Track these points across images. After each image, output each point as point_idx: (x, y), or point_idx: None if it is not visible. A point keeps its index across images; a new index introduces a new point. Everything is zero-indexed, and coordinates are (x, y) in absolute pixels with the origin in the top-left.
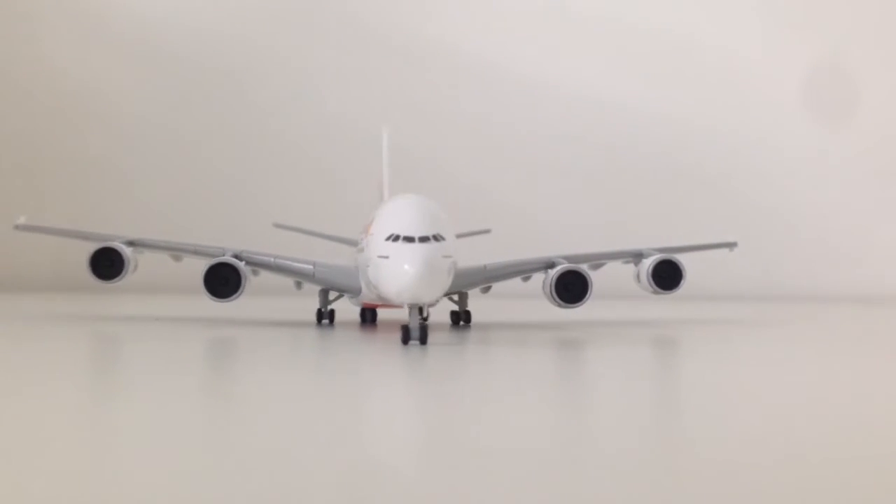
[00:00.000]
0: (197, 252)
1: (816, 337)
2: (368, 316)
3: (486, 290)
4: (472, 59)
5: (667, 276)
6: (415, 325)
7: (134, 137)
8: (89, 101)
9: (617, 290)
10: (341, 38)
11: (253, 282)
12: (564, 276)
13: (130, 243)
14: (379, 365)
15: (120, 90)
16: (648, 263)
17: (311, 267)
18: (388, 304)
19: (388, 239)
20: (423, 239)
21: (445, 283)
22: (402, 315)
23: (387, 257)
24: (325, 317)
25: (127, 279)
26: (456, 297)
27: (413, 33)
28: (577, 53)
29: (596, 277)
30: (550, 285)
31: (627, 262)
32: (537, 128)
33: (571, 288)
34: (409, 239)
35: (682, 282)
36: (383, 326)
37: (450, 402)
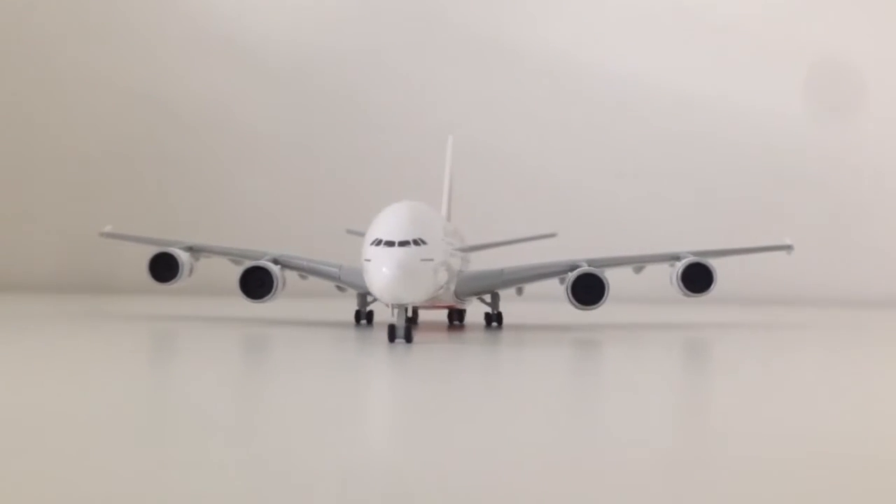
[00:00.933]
0: (244, 255)
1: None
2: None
3: (520, 292)
4: (557, 61)
5: (698, 279)
6: (400, 324)
7: (244, 148)
8: (205, 113)
9: (665, 293)
10: (441, 45)
11: (304, 284)
12: (583, 278)
13: (189, 249)
14: (356, 361)
15: (233, 102)
16: (679, 266)
17: (336, 270)
18: (429, 306)
19: (372, 244)
20: (403, 243)
21: (428, 284)
22: (443, 316)
23: (370, 261)
24: (364, 317)
25: (183, 282)
26: (488, 299)
27: (502, 38)
28: (665, 51)
29: (639, 280)
30: (568, 288)
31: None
32: (624, 128)
33: (591, 290)
34: (390, 243)
35: (713, 285)
36: (423, 326)
37: (400, 398)
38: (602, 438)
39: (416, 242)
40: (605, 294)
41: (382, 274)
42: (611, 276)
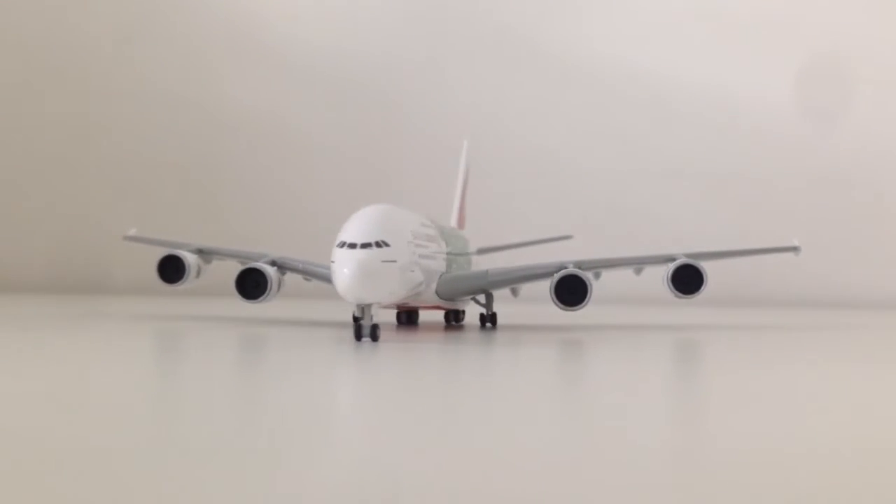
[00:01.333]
0: (247, 257)
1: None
2: (404, 317)
3: (515, 293)
4: (607, 67)
5: (690, 280)
6: (367, 323)
7: (285, 151)
8: (257, 124)
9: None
10: (494, 52)
11: (310, 286)
12: (568, 280)
13: (198, 251)
14: (321, 358)
15: (276, 107)
16: (670, 268)
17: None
18: (419, 306)
19: (338, 246)
20: (365, 245)
21: (392, 285)
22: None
23: (334, 262)
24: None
25: (190, 283)
26: (483, 300)
27: (551, 42)
28: (690, 49)
29: (647, 282)
30: (552, 289)
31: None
32: (646, 127)
33: (575, 291)
34: (352, 245)
35: (703, 287)
36: (423, 327)
37: (358, 392)
38: (580, 438)
39: (378, 244)
40: (588, 295)
41: (343, 275)
42: (615, 278)
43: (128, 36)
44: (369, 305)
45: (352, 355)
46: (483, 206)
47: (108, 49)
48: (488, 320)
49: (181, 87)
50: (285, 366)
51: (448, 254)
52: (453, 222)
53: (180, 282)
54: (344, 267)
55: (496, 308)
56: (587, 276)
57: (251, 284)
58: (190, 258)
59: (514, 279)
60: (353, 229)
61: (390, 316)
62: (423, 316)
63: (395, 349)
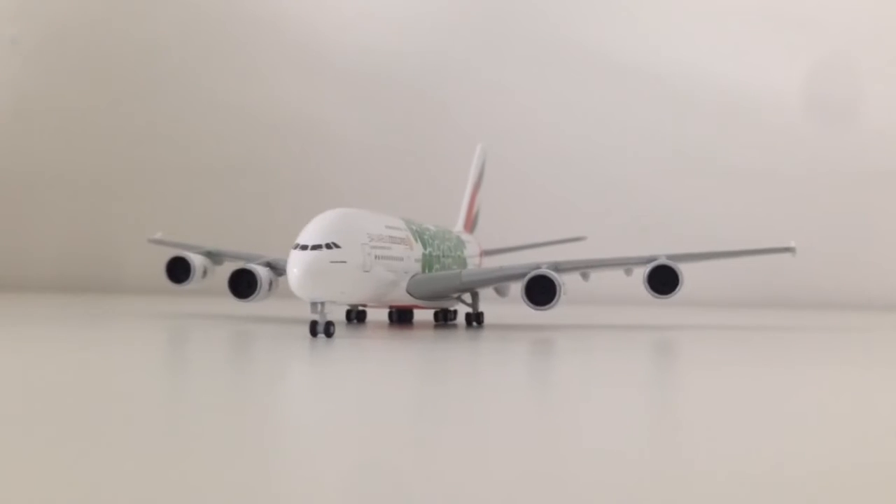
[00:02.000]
0: (249, 258)
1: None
2: (395, 316)
3: (501, 293)
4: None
5: (666, 280)
6: (321, 321)
7: (340, 157)
8: (310, 128)
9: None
10: (533, 52)
11: None
12: (539, 280)
13: (207, 253)
14: (271, 352)
15: (338, 117)
16: (647, 269)
17: None
18: (396, 306)
19: (293, 248)
20: (315, 247)
21: (341, 284)
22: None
23: (288, 263)
24: (354, 317)
25: (196, 283)
26: (469, 300)
27: (590, 43)
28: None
29: (631, 282)
30: (522, 289)
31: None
32: (690, 128)
33: (546, 292)
34: (304, 247)
35: (679, 287)
36: (418, 325)
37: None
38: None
39: (328, 246)
40: (557, 295)
41: (293, 274)
42: (610, 279)
43: (182, 42)
44: (322, 303)
45: (301, 351)
46: (502, 207)
47: (159, 55)
48: (474, 319)
49: (231, 93)
50: (231, 359)
51: (426, 255)
52: (460, 225)
53: (186, 282)
54: (294, 267)
55: (483, 307)
56: (557, 277)
57: (244, 284)
58: (197, 260)
59: (488, 280)
60: (307, 232)
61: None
62: (420, 315)
63: (344, 345)
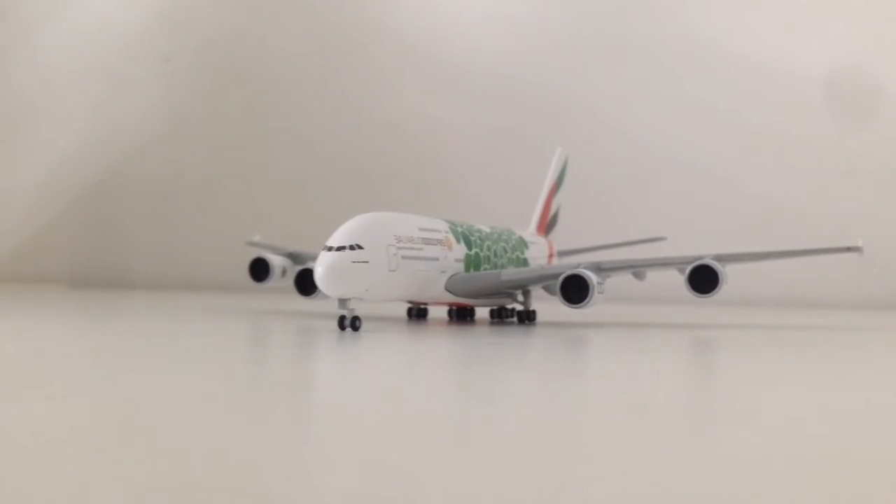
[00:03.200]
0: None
1: None
2: (415, 312)
3: (551, 292)
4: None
5: (708, 280)
6: (348, 315)
7: (458, 157)
8: (419, 131)
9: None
10: (615, 50)
11: None
12: (573, 279)
13: (289, 255)
14: (301, 343)
15: (454, 124)
16: (688, 269)
17: None
18: (467, 304)
19: (322, 249)
20: (339, 248)
21: (364, 282)
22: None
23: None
24: (415, 313)
25: (275, 282)
26: (521, 298)
27: (674, 34)
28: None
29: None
30: (557, 288)
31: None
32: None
33: (580, 290)
34: (330, 248)
35: (719, 287)
36: (432, 321)
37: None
38: (566, 433)
39: (351, 247)
40: (591, 294)
41: (317, 273)
42: (668, 278)
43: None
44: (347, 300)
45: (330, 343)
46: (590, 209)
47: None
48: (526, 317)
49: (356, 98)
50: (268, 349)
51: (470, 255)
52: (532, 227)
53: (266, 280)
54: (318, 266)
55: (541, 306)
56: (590, 276)
57: (311, 282)
58: (276, 260)
59: (527, 280)
60: (335, 235)
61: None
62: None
63: (370, 339)
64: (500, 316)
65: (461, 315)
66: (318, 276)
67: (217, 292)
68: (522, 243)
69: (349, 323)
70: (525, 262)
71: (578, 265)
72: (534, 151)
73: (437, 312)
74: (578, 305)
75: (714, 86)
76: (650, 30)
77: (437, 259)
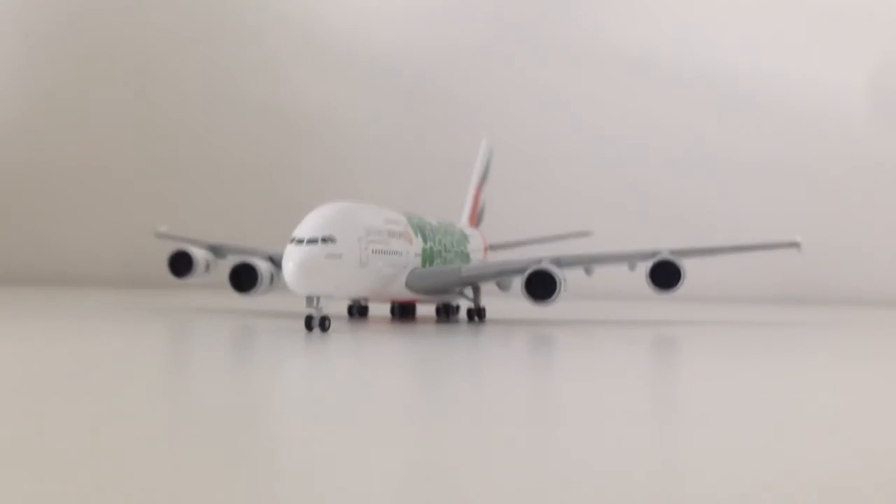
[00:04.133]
0: (253, 253)
1: None
2: (397, 310)
3: (503, 287)
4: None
5: (670, 276)
6: (316, 314)
7: (354, 150)
8: (321, 122)
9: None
10: (553, 51)
11: None
12: (539, 275)
13: (211, 248)
14: (267, 347)
15: (351, 110)
16: (649, 264)
17: None
18: (396, 300)
19: (289, 242)
20: (311, 241)
21: (336, 278)
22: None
23: (284, 257)
24: (356, 311)
25: (198, 277)
26: (471, 295)
27: (600, 36)
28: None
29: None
30: (522, 283)
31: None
32: (708, 121)
33: (546, 286)
34: (299, 241)
35: (680, 282)
36: (419, 320)
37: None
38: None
39: (323, 240)
40: (558, 290)
41: (288, 269)
42: (612, 274)
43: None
44: (317, 298)
45: (298, 345)
46: (507, 201)
47: (179, 51)
48: (476, 314)
49: (259, 91)
50: (227, 355)
51: (426, 250)
52: (465, 219)
53: (188, 275)
54: (289, 261)
55: (485, 302)
56: (557, 271)
57: (246, 278)
58: (199, 254)
59: (488, 275)
60: (304, 226)
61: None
62: (422, 309)
63: (340, 340)
64: (446, 313)
65: (403, 312)
66: (290, 272)
67: (104, 287)
68: (464, 237)
69: (318, 323)
70: (467, 256)
71: (541, 260)
72: (429, 143)
73: (375, 310)
74: (544, 302)
75: (619, 82)
76: (568, 28)
77: (400, 253)
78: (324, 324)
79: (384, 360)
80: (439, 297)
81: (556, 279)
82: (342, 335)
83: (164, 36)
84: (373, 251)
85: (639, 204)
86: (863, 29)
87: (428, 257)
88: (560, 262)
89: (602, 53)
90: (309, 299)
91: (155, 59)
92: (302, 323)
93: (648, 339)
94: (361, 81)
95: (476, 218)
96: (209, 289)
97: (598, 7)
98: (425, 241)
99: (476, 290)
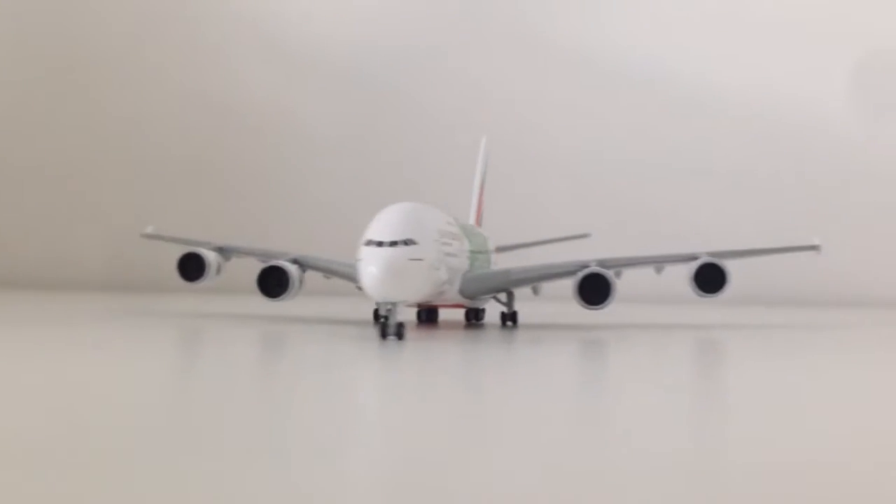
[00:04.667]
0: (267, 255)
1: None
2: (424, 315)
3: (536, 291)
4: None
5: (712, 279)
6: (392, 321)
7: (303, 148)
8: (274, 120)
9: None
10: (512, 47)
11: (329, 283)
12: (591, 279)
13: (219, 249)
14: (350, 356)
15: (316, 113)
16: (693, 267)
17: (350, 269)
18: (442, 305)
19: (364, 244)
20: (393, 243)
21: (419, 283)
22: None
23: (361, 260)
24: (424, 316)
25: (210, 281)
26: (504, 299)
27: (573, 37)
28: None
29: (660, 280)
30: (575, 287)
31: None
32: (695, 129)
33: (598, 291)
34: (379, 243)
35: (726, 286)
36: (443, 325)
37: (389, 391)
38: (597, 441)
39: (405, 242)
40: (612, 294)
41: (370, 273)
42: (636, 277)
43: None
44: (395, 304)
45: (379, 353)
46: (504, 203)
47: (132, 47)
48: (509, 319)
49: (208, 87)
50: (320, 365)
51: (471, 252)
52: (471, 220)
53: (200, 279)
54: (371, 265)
55: (517, 306)
56: (611, 274)
57: (273, 283)
58: (210, 256)
59: (536, 277)
60: (381, 227)
61: (409, 314)
62: (442, 314)
63: (421, 348)
64: (476, 318)
65: (430, 317)
66: (373, 277)
67: (88, 292)
68: (485, 238)
69: (394, 331)
70: (489, 259)
71: (587, 263)
72: (392, 146)
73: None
74: (598, 307)
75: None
76: (544, 34)
77: (457, 256)
78: (399, 331)
79: (499, 373)
80: (475, 302)
81: (611, 283)
82: (418, 343)
83: (94, 24)
84: (445, 254)
85: (626, 209)
86: (841, 29)
87: (472, 260)
88: (605, 264)
89: (580, 58)
90: (384, 305)
91: (88, 48)
92: (356, 329)
93: (691, 341)
94: (333, 82)
95: (479, 219)
96: (195, 293)
97: (579, 13)
98: (470, 242)
99: (510, 295)
